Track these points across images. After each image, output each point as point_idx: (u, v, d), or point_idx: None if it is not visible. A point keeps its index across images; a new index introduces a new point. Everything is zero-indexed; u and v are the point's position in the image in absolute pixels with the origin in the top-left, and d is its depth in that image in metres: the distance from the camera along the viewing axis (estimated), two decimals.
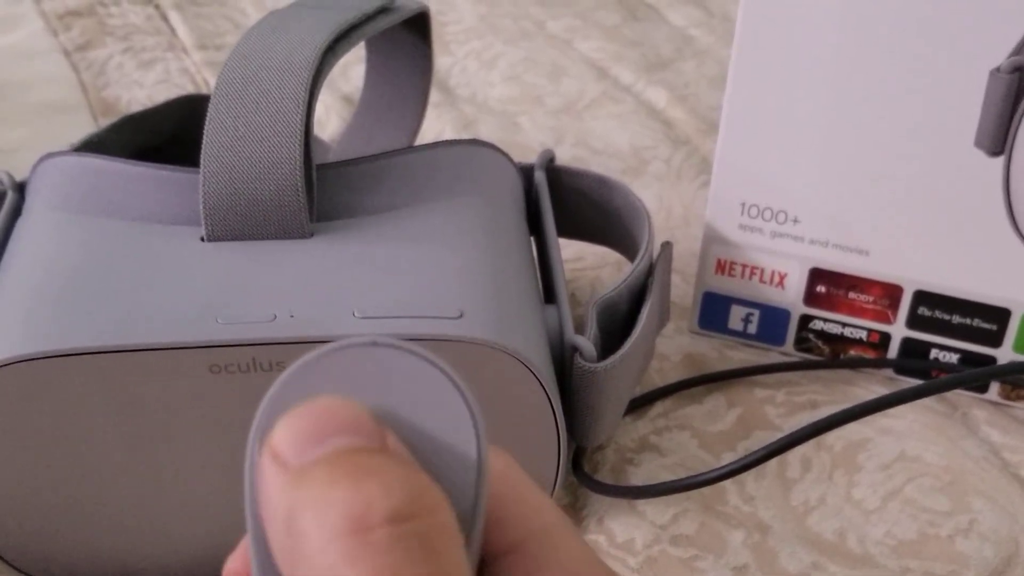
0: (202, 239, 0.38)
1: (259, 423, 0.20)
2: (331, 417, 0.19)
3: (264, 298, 0.35)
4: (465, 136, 0.62)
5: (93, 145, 0.49)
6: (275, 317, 0.34)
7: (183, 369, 0.34)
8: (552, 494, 0.38)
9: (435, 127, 0.63)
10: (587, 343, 0.38)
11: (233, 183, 0.37)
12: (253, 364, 0.34)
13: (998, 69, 0.39)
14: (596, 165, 0.60)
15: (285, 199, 0.37)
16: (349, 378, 0.20)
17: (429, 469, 0.19)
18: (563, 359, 0.38)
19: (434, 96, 0.65)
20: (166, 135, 0.52)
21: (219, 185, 0.37)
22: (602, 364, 0.37)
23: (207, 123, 0.38)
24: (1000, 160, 0.41)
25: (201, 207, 0.37)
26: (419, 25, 0.50)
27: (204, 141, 0.37)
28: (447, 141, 0.42)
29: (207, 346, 0.33)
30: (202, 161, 0.37)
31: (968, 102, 0.40)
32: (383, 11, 0.44)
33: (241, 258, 0.37)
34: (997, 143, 0.41)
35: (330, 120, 0.64)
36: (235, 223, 0.38)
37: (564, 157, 0.61)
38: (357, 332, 0.34)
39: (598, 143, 0.62)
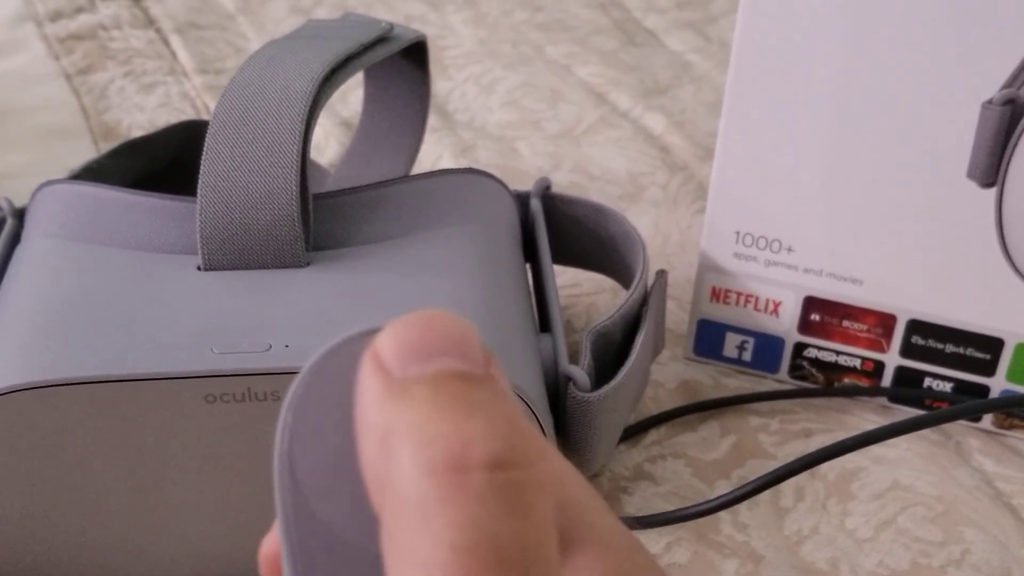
0: (199, 268, 0.38)
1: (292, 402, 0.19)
2: (441, 333, 0.18)
3: (260, 328, 0.35)
4: (463, 161, 0.62)
5: (92, 171, 0.49)
6: (270, 347, 0.35)
7: (179, 399, 0.34)
8: None
9: (434, 152, 0.63)
10: (581, 373, 0.38)
11: (230, 213, 0.38)
12: (248, 394, 0.34)
13: (990, 101, 0.40)
14: (594, 191, 0.60)
15: (281, 229, 0.38)
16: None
17: None
18: (557, 388, 0.38)
19: (433, 121, 0.66)
20: (165, 161, 0.52)
21: (216, 215, 0.38)
22: (595, 394, 0.38)
23: (204, 153, 0.38)
24: (993, 191, 0.41)
25: (198, 237, 0.38)
26: (417, 53, 0.50)
27: (201, 171, 0.38)
28: (443, 170, 0.43)
29: (203, 376, 0.34)
30: (199, 191, 0.38)
31: (961, 134, 0.40)
32: (381, 41, 0.45)
33: (237, 287, 0.37)
34: (989, 175, 0.41)
35: (329, 145, 0.64)
36: (232, 253, 0.38)
37: (562, 183, 0.61)
38: None
39: (596, 169, 0.62)
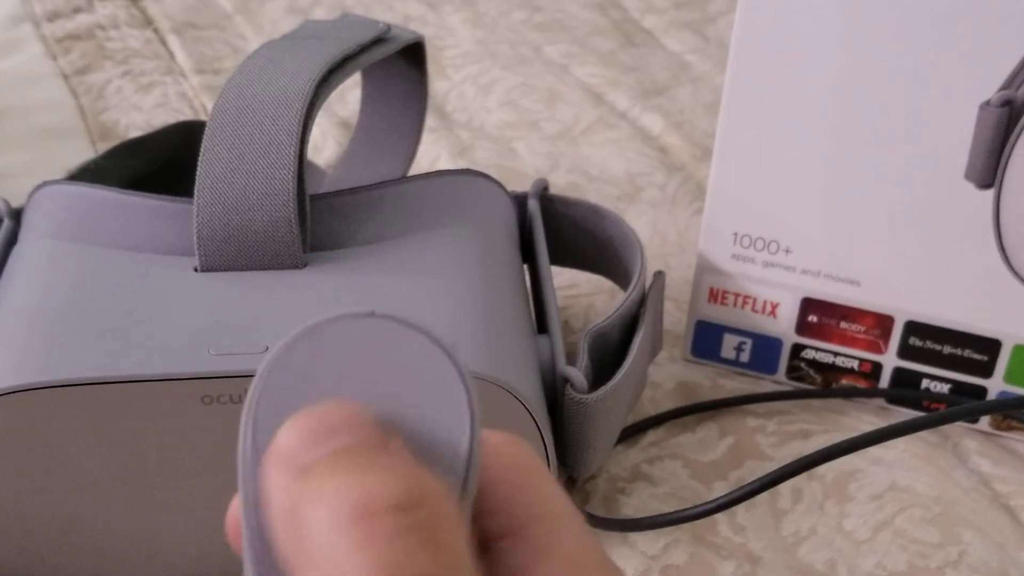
0: (195, 269, 0.38)
1: (254, 402, 0.20)
2: (335, 418, 0.19)
3: (257, 329, 0.35)
4: (461, 162, 0.62)
5: (89, 172, 0.49)
6: (267, 349, 0.35)
7: (175, 400, 0.34)
8: None
9: (432, 152, 0.63)
10: (578, 374, 0.38)
11: (227, 214, 0.37)
12: (245, 395, 0.34)
13: (988, 103, 0.40)
14: (592, 191, 0.60)
15: (278, 230, 0.38)
16: (343, 354, 0.20)
17: (421, 443, 0.20)
18: (555, 390, 0.38)
19: (431, 121, 0.66)
20: (162, 161, 0.52)
21: (213, 216, 0.37)
22: (593, 395, 0.38)
23: (201, 154, 0.38)
24: (990, 192, 0.41)
25: (195, 238, 0.38)
26: (414, 54, 0.50)
27: (198, 172, 0.38)
28: (440, 171, 0.42)
29: (199, 377, 0.34)
30: (196, 192, 0.37)
31: (959, 135, 0.40)
32: (378, 41, 0.45)
33: (234, 289, 0.37)
34: (987, 176, 0.41)
35: (327, 145, 0.64)
36: (228, 254, 0.38)
37: (560, 183, 0.61)
38: None
39: (594, 169, 0.62)
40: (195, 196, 0.37)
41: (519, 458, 0.21)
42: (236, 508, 0.21)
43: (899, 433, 0.34)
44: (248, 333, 0.35)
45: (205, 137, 0.38)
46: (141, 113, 0.66)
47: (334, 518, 0.18)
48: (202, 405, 0.34)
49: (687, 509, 0.36)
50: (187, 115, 0.67)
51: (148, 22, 0.77)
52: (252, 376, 0.34)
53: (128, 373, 0.33)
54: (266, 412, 0.20)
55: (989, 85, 0.39)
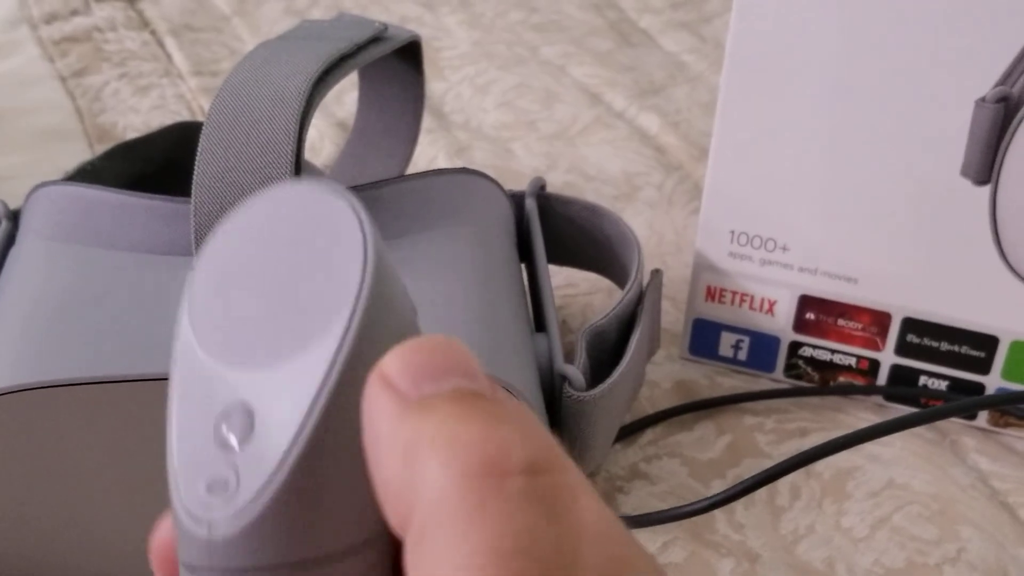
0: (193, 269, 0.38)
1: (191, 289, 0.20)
2: (449, 356, 0.18)
3: None
4: (458, 162, 0.62)
5: (87, 173, 0.49)
6: None
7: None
8: None
9: (429, 153, 0.63)
10: (576, 372, 0.38)
11: (224, 214, 0.38)
12: None
13: (983, 99, 0.40)
14: (589, 191, 0.60)
15: None
16: (263, 229, 0.20)
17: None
18: (552, 388, 0.38)
19: (428, 122, 0.66)
20: (159, 163, 0.52)
21: (210, 215, 0.38)
22: (591, 393, 0.38)
23: (198, 154, 0.38)
24: (986, 189, 0.41)
25: (192, 238, 0.38)
26: (411, 54, 0.50)
27: (195, 171, 0.38)
28: (437, 170, 0.42)
29: None
30: (193, 192, 0.38)
31: (955, 132, 0.40)
32: (375, 41, 0.45)
33: None
34: (983, 172, 0.41)
35: (324, 146, 0.64)
36: None
37: (557, 183, 0.61)
38: None
39: (591, 169, 0.62)
40: (192, 195, 0.38)
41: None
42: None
43: (896, 428, 0.34)
44: None
45: (202, 136, 0.38)
46: (139, 115, 0.67)
47: (460, 467, 0.16)
48: None
49: (685, 506, 0.36)
50: (184, 117, 0.67)
51: (145, 24, 0.77)
52: None
53: (124, 373, 0.34)
54: (196, 304, 0.20)
55: (985, 81, 0.39)
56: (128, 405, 0.34)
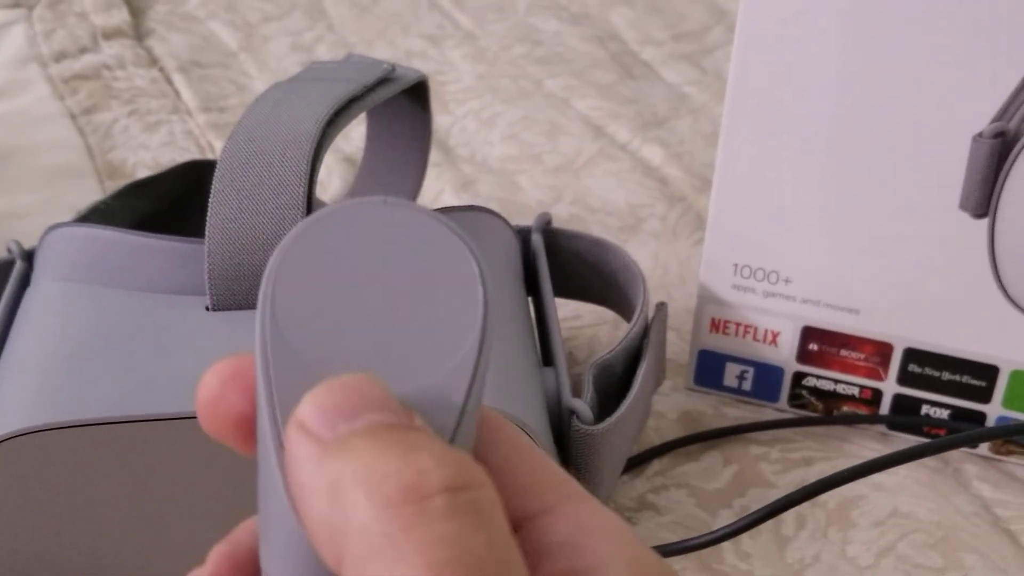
0: (207, 309, 0.39)
1: (269, 295, 0.20)
2: (360, 394, 0.19)
3: None
4: (464, 196, 0.63)
5: (99, 213, 0.50)
6: None
7: (190, 438, 0.34)
8: None
9: (435, 187, 0.64)
10: (584, 406, 0.38)
11: (237, 254, 0.38)
12: None
13: (981, 134, 0.41)
14: (594, 223, 0.61)
15: None
16: (353, 244, 0.20)
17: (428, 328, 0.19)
18: (560, 421, 0.39)
19: (434, 156, 0.66)
20: (170, 200, 0.53)
21: (223, 256, 0.38)
22: (599, 426, 0.38)
23: (212, 195, 0.39)
24: (985, 222, 0.42)
25: (206, 278, 0.38)
26: (418, 92, 0.51)
27: (209, 213, 0.38)
28: (446, 208, 0.43)
29: None
30: (207, 233, 0.38)
31: (953, 166, 0.41)
32: (383, 82, 0.46)
33: (245, 328, 0.38)
34: (981, 206, 0.42)
35: (332, 182, 0.65)
36: (240, 293, 0.39)
37: (562, 215, 0.62)
38: None
39: (595, 201, 0.63)
40: (206, 237, 0.38)
41: (531, 447, 0.22)
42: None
43: (902, 460, 0.35)
44: None
45: (215, 178, 0.39)
46: (148, 151, 0.67)
47: (382, 498, 0.17)
48: (215, 444, 0.35)
49: (694, 538, 0.37)
50: (194, 153, 0.68)
51: (154, 61, 0.78)
52: None
53: (142, 413, 0.34)
54: (282, 305, 0.20)
55: (982, 116, 0.40)
56: (147, 444, 0.34)
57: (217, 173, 0.39)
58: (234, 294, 0.39)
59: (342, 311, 0.20)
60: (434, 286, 0.20)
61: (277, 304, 0.20)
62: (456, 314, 0.20)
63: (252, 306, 0.39)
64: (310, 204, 0.39)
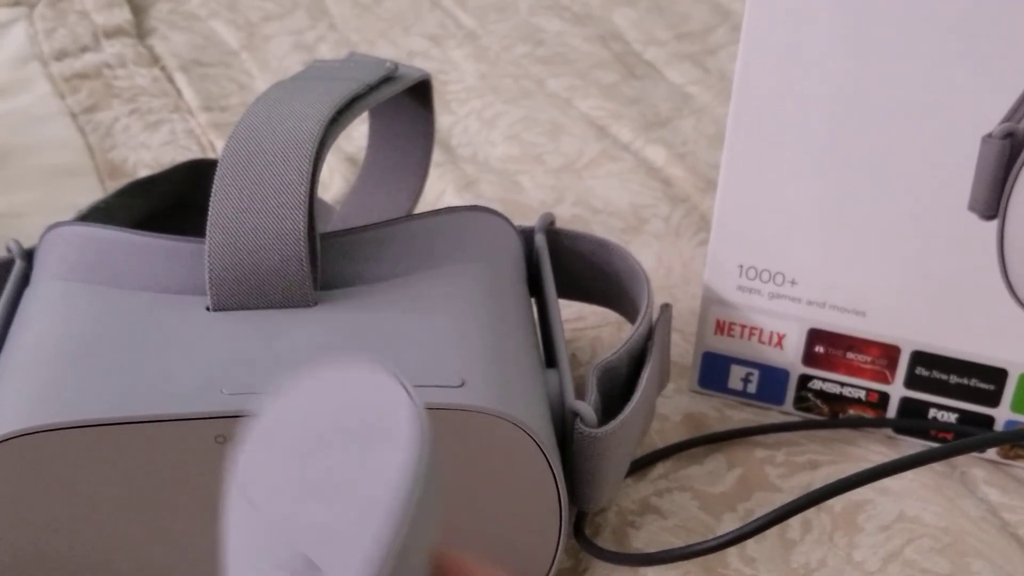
0: (208, 309, 0.38)
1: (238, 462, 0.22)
2: None
3: (269, 368, 0.36)
4: (467, 196, 0.63)
5: (100, 212, 0.49)
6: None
7: (189, 440, 0.34)
8: (554, 560, 0.38)
9: (437, 187, 0.63)
10: (587, 408, 0.38)
11: (238, 254, 0.38)
12: None
13: (990, 135, 0.40)
14: (596, 224, 0.61)
15: (289, 270, 0.38)
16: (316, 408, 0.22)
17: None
18: (564, 424, 0.39)
19: (436, 156, 0.66)
20: (171, 199, 0.53)
21: (224, 256, 0.38)
22: (602, 429, 0.38)
23: (213, 195, 0.38)
24: (994, 223, 0.41)
25: (207, 278, 0.38)
26: (421, 92, 0.51)
27: (210, 212, 0.38)
28: (448, 208, 0.43)
29: (212, 417, 0.34)
30: (208, 232, 0.38)
31: (962, 167, 0.41)
32: (386, 81, 0.45)
33: (246, 328, 0.37)
34: (990, 207, 0.41)
35: (334, 181, 0.64)
36: (240, 293, 0.38)
37: (565, 216, 0.61)
38: None
39: (598, 202, 0.63)
40: (207, 236, 0.38)
41: None
42: None
43: (910, 465, 0.34)
44: (261, 373, 0.35)
45: (216, 178, 0.39)
46: (149, 151, 0.67)
47: None
48: (215, 444, 0.34)
49: (698, 544, 0.37)
50: (195, 152, 0.67)
51: (155, 60, 0.78)
52: None
53: (143, 414, 0.34)
54: (245, 470, 0.21)
55: (991, 117, 0.40)
56: (146, 445, 0.34)
57: (218, 172, 0.39)
58: (235, 294, 0.38)
59: (290, 478, 0.22)
60: (379, 447, 0.21)
61: (241, 464, 0.22)
62: (372, 501, 0.21)
63: (252, 306, 0.38)
64: (311, 204, 0.39)
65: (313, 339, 0.37)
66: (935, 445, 0.40)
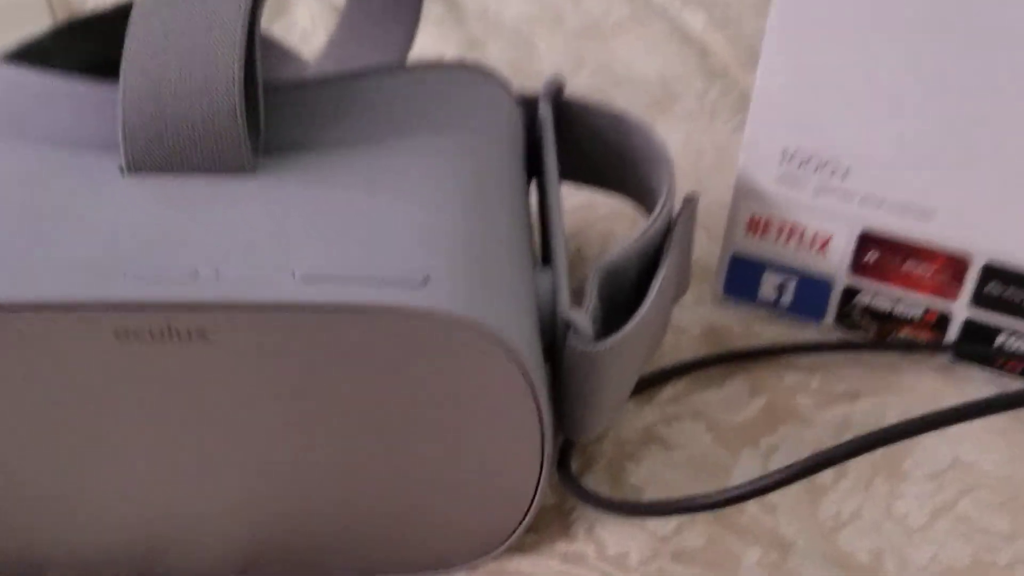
0: (121, 169, 0.32)
1: None
2: None
3: (187, 248, 0.29)
4: (470, 61, 0.56)
5: (32, 53, 0.43)
6: (197, 273, 0.28)
7: (83, 333, 0.28)
8: (533, 500, 0.32)
9: (436, 47, 0.57)
10: (583, 318, 0.31)
11: (158, 102, 0.31)
12: (168, 331, 0.28)
13: None
14: (618, 97, 0.54)
15: (221, 123, 0.31)
16: None
17: None
18: (555, 336, 0.32)
19: (438, 10, 0.59)
20: (120, 44, 0.46)
21: (141, 104, 0.31)
22: (600, 345, 0.31)
23: (129, 28, 0.31)
24: None
25: (119, 129, 0.31)
26: None
27: (124, 49, 0.31)
28: (431, 63, 0.36)
29: (110, 306, 0.27)
30: (121, 75, 0.31)
31: None
32: None
33: (164, 195, 0.31)
34: None
35: (316, 33, 0.58)
36: (160, 151, 0.31)
37: (581, 86, 0.55)
38: (295, 295, 0.28)
39: (622, 71, 0.56)
40: (120, 79, 0.31)
41: None
42: None
43: (982, 412, 0.27)
44: (176, 252, 0.29)
45: (135, 7, 0.32)
46: None
47: None
48: (115, 341, 0.28)
49: (705, 496, 0.30)
50: None
51: None
52: (176, 307, 0.27)
53: (24, 299, 0.27)
54: None
55: None
56: (32, 337, 0.28)
57: (137, 1, 0.31)
58: (152, 152, 0.31)
59: None
60: None
61: None
62: None
63: (174, 168, 0.31)
64: (252, 42, 0.31)
65: (245, 214, 0.30)
66: (1008, 381, 0.33)
